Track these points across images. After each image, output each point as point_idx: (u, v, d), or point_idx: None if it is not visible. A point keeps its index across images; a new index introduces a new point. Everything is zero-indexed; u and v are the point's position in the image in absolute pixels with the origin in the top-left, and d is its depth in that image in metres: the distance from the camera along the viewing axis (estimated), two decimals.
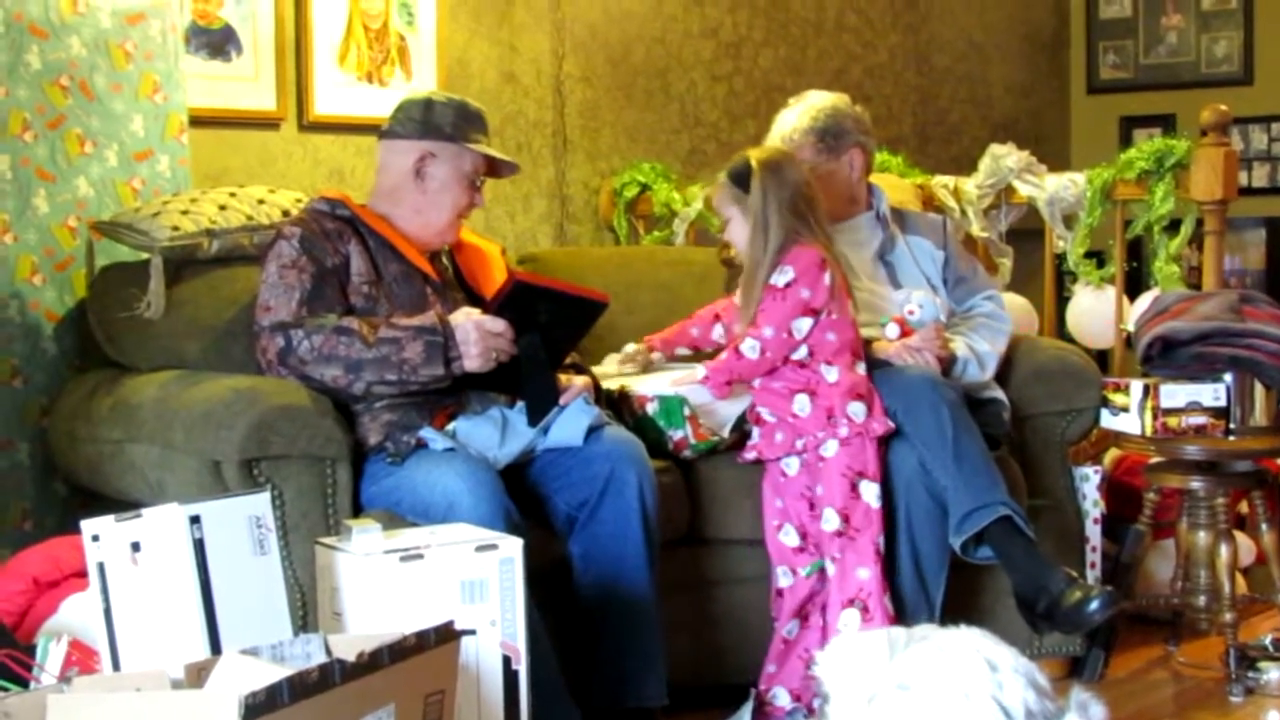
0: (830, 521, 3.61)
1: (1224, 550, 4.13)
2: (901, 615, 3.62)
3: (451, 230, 3.73)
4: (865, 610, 3.56)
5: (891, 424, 3.66)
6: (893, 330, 3.90)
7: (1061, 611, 3.56)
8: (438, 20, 5.14)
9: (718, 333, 4.01)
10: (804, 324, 3.67)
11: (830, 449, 3.63)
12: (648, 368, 4.01)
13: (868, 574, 3.58)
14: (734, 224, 3.78)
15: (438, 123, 3.67)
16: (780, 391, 3.70)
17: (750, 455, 3.74)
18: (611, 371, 3.98)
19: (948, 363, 3.90)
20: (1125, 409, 4.13)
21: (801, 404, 3.67)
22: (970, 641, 1.72)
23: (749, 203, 3.70)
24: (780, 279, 3.67)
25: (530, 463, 3.54)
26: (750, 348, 3.67)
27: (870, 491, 3.62)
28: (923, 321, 3.91)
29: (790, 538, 3.69)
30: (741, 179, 3.72)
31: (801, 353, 3.68)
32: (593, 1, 5.71)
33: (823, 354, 3.67)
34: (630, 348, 4.04)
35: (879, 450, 3.66)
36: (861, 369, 3.71)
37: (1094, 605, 3.52)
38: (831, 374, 3.66)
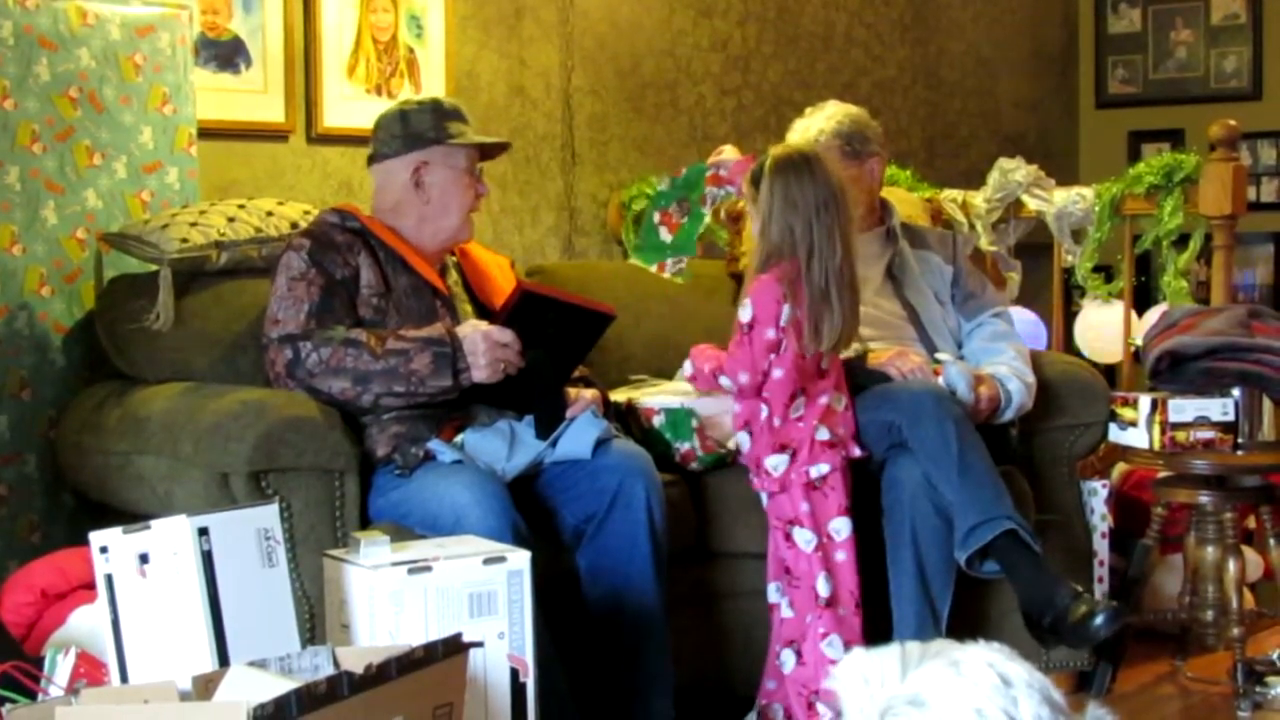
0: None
1: (1232, 565, 4.13)
2: (891, 634, 3.60)
3: (465, 228, 3.74)
4: (800, 655, 3.54)
5: (818, 472, 3.54)
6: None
7: (1067, 626, 3.54)
8: (446, 33, 5.14)
9: None
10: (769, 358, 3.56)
11: (763, 498, 3.61)
12: None
13: (810, 618, 3.55)
14: (754, 225, 3.64)
15: (418, 130, 3.67)
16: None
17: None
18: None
19: (997, 403, 3.87)
20: (1133, 423, 4.13)
21: (743, 441, 3.63)
22: (984, 657, 1.71)
23: (759, 204, 3.57)
24: (744, 314, 3.55)
25: (538, 475, 3.54)
26: (726, 385, 3.58)
27: (803, 538, 3.56)
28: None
29: None
30: (757, 179, 3.58)
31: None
32: (602, 14, 5.72)
33: (766, 387, 3.56)
34: None
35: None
36: (800, 408, 3.55)
37: (1099, 620, 3.51)
38: (763, 415, 3.58)
